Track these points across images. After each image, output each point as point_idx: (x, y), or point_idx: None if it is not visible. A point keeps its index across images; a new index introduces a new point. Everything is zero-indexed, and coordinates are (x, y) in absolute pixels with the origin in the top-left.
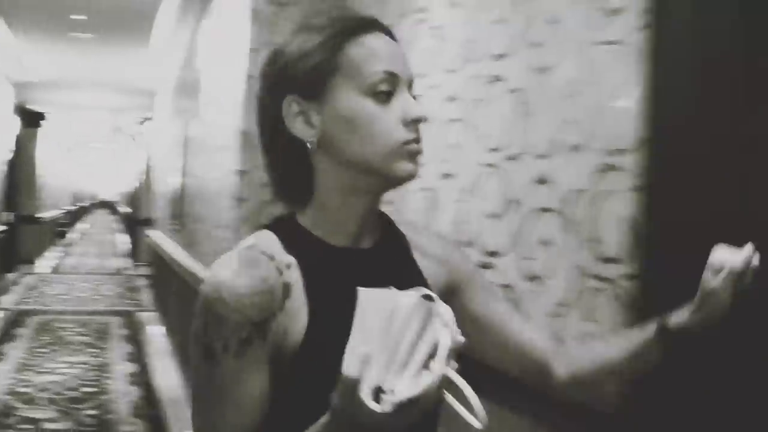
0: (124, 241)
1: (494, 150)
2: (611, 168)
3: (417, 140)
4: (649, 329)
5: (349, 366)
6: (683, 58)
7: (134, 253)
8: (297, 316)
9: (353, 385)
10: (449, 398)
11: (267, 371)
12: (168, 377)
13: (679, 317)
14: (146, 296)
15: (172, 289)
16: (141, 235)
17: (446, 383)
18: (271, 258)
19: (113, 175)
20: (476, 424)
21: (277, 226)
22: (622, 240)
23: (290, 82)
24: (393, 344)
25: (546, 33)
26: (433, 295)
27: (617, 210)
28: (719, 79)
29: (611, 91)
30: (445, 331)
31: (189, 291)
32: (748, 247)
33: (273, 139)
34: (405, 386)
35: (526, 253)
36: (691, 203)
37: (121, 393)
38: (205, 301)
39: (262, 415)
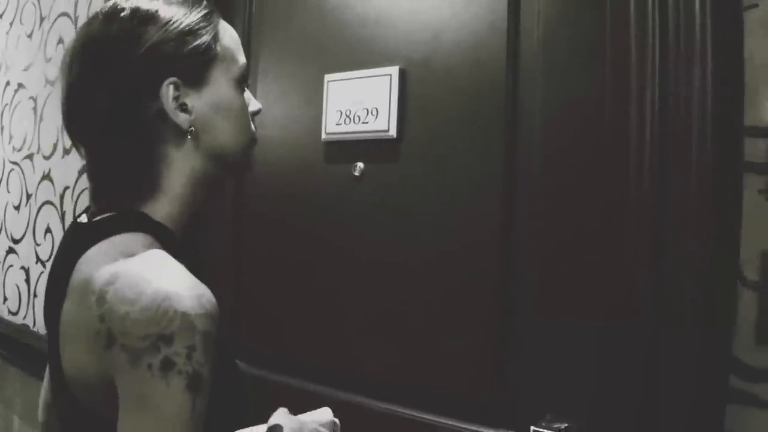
0: None
1: (17, 150)
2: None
3: None
4: None
5: None
6: None
7: None
8: None
9: None
10: None
11: None
12: None
13: None
14: None
15: None
16: None
17: None
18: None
19: None
20: None
21: (139, 225)
22: None
23: (171, 62)
24: None
25: (56, 51)
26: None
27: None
28: None
29: None
30: None
31: None
32: None
33: (129, 121)
34: None
35: (38, 240)
36: None
37: None
38: (187, 320)
39: None
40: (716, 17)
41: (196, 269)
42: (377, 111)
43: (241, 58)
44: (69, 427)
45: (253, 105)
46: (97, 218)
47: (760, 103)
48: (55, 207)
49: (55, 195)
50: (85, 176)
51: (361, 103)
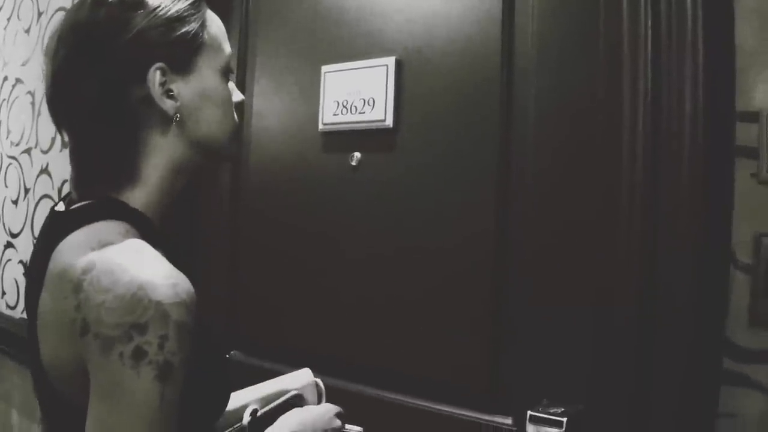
0: None
1: (15, 144)
2: None
3: None
4: None
5: None
6: None
7: None
8: None
9: None
10: None
11: None
12: None
13: None
14: None
15: None
16: None
17: None
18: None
19: None
20: None
21: (116, 213)
22: None
23: (158, 49)
24: None
25: None
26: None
27: None
28: None
29: None
30: None
31: None
32: None
33: (115, 106)
34: None
35: (36, 234)
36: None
37: None
38: (161, 309)
39: None
40: (707, 7)
41: (174, 257)
42: (374, 101)
43: (227, 48)
44: (48, 415)
45: (236, 96)
46: (75, 206)
47: (751, 88)
48: (54, 201)
49: (53, 189)
50: None
51: (357, 93)
